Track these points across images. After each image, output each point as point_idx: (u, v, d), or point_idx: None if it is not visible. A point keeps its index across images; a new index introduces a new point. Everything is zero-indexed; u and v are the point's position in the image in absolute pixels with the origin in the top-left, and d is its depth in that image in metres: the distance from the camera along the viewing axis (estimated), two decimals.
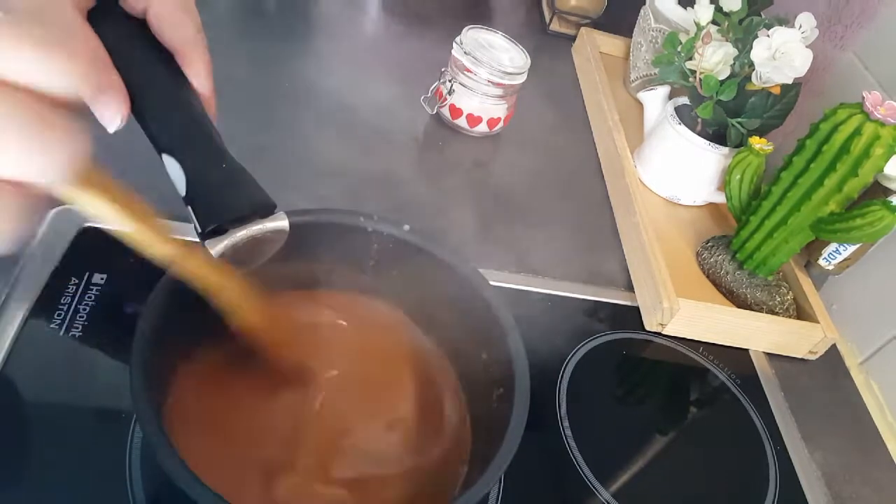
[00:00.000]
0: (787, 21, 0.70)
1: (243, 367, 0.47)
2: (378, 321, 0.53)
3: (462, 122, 0.80)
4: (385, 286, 0.53)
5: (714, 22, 0.74)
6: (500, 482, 0.51)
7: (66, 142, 0.28)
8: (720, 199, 0.77)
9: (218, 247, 0.41)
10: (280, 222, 0.44)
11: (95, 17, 0.36)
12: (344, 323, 0.52)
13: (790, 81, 0.69)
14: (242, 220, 0.42)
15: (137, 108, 0.39)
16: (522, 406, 0.43)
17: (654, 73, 0.86)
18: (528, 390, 0.44)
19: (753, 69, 0.70)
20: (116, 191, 0.34)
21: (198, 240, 0.40)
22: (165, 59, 0.39)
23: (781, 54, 0.68)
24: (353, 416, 0.47)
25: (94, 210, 0.34)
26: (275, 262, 0.46)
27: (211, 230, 0.41)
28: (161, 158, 0.41)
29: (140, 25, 0.39)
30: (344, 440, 0.46)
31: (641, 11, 0.91)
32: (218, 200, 0.41)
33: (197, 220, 0.40)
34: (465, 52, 0.76)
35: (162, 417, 0.41)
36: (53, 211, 0.57)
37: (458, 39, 0.77)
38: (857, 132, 0.58)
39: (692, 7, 0.75)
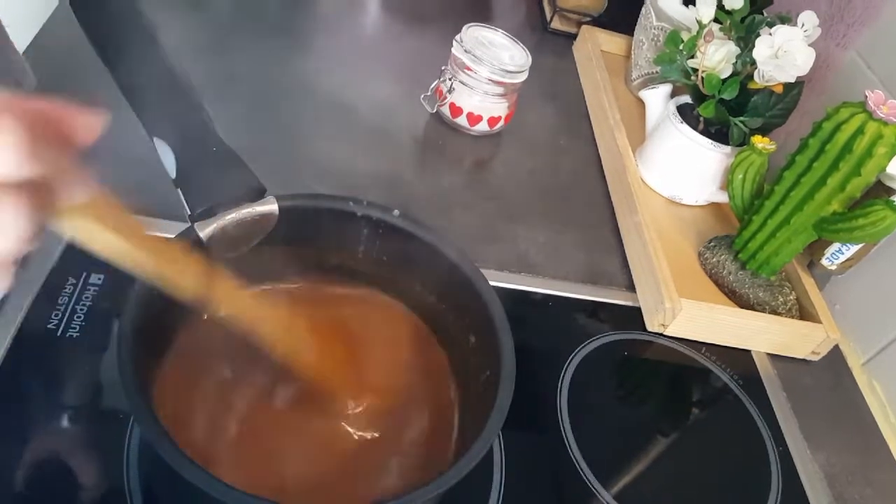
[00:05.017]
0: (789, 19, 0.69)
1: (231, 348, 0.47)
2: (373, 309, 0.53)
3: (462, 120, 0.79)
4: (375, 271, 0.52)
5: (716, 20, 0.74)
6: (501, 481, 0.51)
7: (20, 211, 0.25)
8: (722, 198, 0.76)
9: (207, 229, 0.41)
10: (269, 206, 0.44)
11: (88, 8, 0.36)
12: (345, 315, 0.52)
13: (792, 80, 0.69)
14: (232, 204, 0.42)
15: (129, 93, 0.40)
16: (508, 383, 0.43)
17: (656, 72, 0.86)
18: (513, 367, 0.44)
19: (756, 68, 0.69)
20: (128, 225, 0.30)
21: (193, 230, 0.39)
22: (156, 46, 0.39)
23: (784, 53, 0.67)
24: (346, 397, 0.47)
25: (103, 249, 0.29)
26: (263, 246, 0.46)
27: (200, 213, 0.41)
28: (153, 142, 0.41)
29: (130, 15, 0.39)
30: (339, 419, 0.46)
31: (643, 9, 0.91)
32: (207, 184, 0.41)
33: (186, 202, 0.41)
34: (465, 51, 0.76)
35: (152, 396, 0.41)
36: None
37: (458, 37, 0.77)
38: (859, 131, 0.57)
39: (694, 5, 0.74)
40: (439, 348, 0.51)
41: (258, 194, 0.44)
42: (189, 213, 0.41)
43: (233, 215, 0.43)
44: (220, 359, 0.46)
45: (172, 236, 0.41)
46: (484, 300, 0.47)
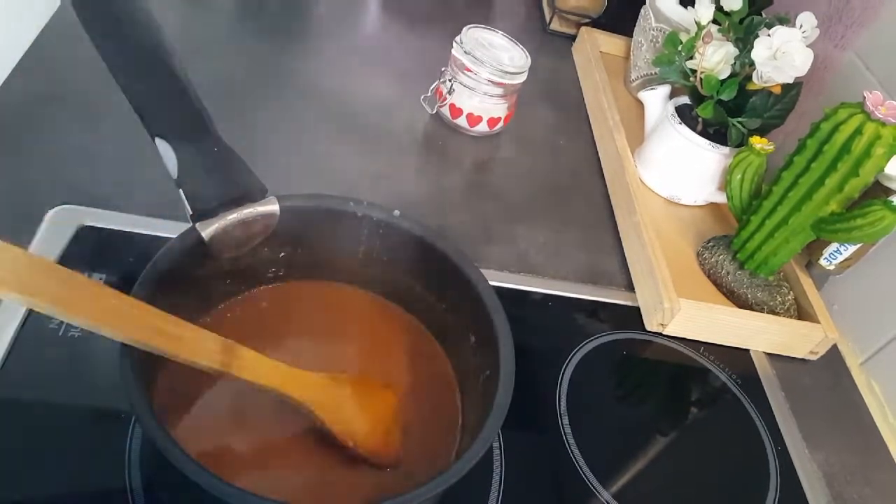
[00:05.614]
0: (787, 20, 0.70)
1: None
2: (371, 312, 0.53)
3: (462, 121, 0.80)
4: (375, 271, 0.52)
5: (715, 21, 0.74)
6: (501, 481, 0.51)
7: None
8: (721, 198, 0.76)
9: (208, 229, 0.42)
10: (270, 206, 0.44)
11: (90, 8, 0.36)
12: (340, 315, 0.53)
13: (791, 81, 0.69)
14: (233, 204, 0.43)
15: (131, 93, 0.40)
16: (508, 382, 0.43)
17: (655, 73, 0.86)
18: (512, 367, 0.44)
19: (754, 68, 0.70)
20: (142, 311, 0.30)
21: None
22: (157, 47, 0.39)
23: (782, 54, 0.67)
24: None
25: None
26: (264, 246, 0.46)
27: (202, 213, 0.41)
28: (154, 142, 0.41)
29: (132, 16, 0.39)
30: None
31: (642, 11, 0.91)
32: (209, 184, 0.41)
33: (188, 203, 0.41)
34: (465, 52, 0.76)
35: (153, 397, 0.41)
36: (52, 210, 0.57)
37: (458, 39, 0.77)
38: (857, 132, 0.58)
39: (693, 6, 0.75)
40: (441, 349, 0.51)
41: (259, 194, 0.44)
42: (191, 213, 0.42)
43: (234, 215, 0.43)
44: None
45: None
46: (484, 300, 0.47)
